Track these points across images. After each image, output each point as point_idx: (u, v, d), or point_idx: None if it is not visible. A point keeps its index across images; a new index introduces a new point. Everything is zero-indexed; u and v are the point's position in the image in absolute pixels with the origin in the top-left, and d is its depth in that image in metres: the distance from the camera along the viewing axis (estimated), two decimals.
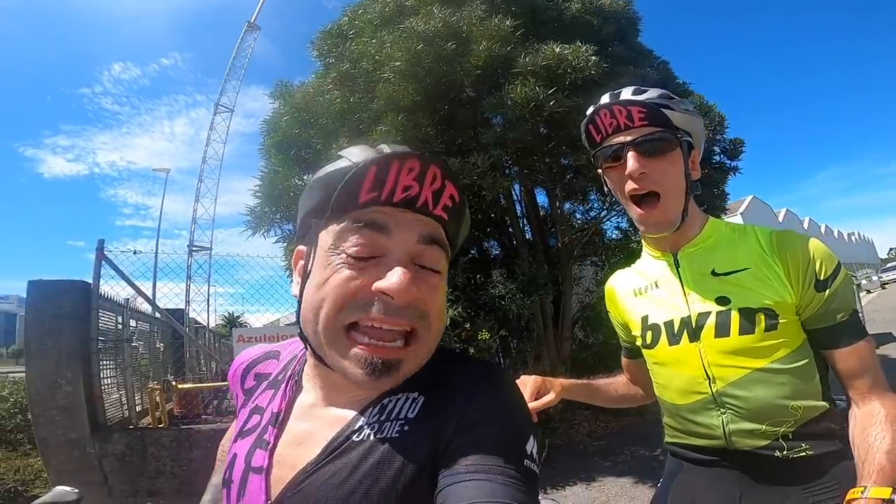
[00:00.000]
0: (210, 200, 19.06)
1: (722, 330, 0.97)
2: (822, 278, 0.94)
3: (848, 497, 0.82)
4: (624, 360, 1.34)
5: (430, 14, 4.50)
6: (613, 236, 7.05)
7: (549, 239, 6.77)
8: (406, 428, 0.57)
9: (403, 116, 4.27)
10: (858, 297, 11.47)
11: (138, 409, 4.72)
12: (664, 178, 0.98)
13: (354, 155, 0.59)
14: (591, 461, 4.44)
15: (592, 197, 6.53)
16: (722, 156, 6.27)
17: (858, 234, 79.80)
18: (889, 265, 42.99)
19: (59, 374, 3.61)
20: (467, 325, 4.81)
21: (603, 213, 6.57)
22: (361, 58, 4.76)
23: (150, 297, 4.37)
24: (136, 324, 6.28)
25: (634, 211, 1.02)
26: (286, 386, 0.68)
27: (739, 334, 0.95)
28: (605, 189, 1.10)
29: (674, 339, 1.04)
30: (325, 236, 0.58)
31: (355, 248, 0.55)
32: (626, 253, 5.93)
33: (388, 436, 0.56)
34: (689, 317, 1.01)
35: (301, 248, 0.64)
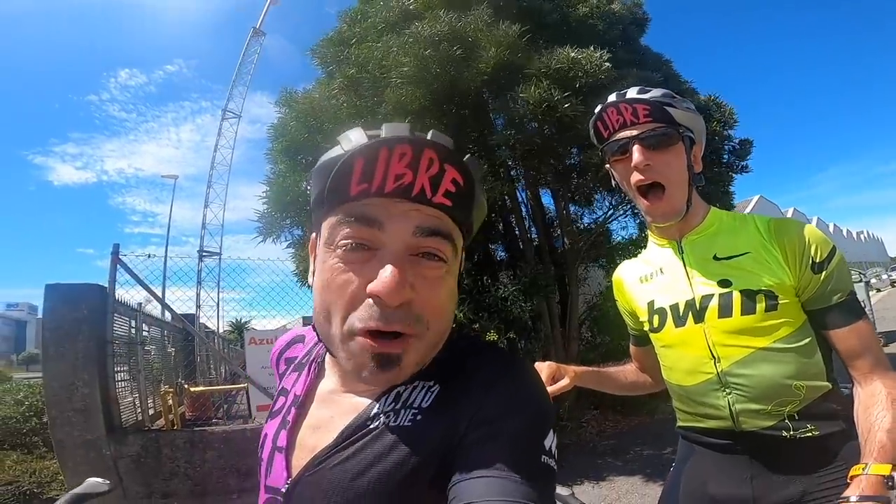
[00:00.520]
0: (219, 206, 19.26)
1: (725, 311, 1.02)
2: (817, 261, 0.99)
3: (850, 474, 0.86)
4: (632, 349, 1.38)
5: (435, 18, 4.55)
6: (620, 238, 7.10)
7: (556, 240, 6.80)
8: (419, 417, 0.56)
9: (411, 120, 4.32)
10: (868, 295, 11.37)
11: (151, 412, 4.79)
12: (667, 170, 1.04)
13: (347, 140, 0.56)
14: (601, 460, 4.47)
15: (598, 198, 6.56)
16: (731, 156, 6.28)
17: (868, 232, 79.03)
18: None
19: (76, 376, 3.68)
20: (476, 326, 4.85)
21: (609, 214, 6.61)
22: (367, 62, 4.82)
23: (164, 301, 4.44)
24: (149, 328, 6.37)
25: (641, 202, 1.08)
26: (308, 369, 0.70)
27: (742, 314, 1.00)
28: (613, 182, 1.16)
29: (679, 322, 1.09)
30: (324, 228, 0.57)
31: (347, 243, 0.53)
32: (632, 255, 5.90)
33: (401, 424, 0.56)
34: (694, 299, 1.07)
35: (313, 236, 0.63)
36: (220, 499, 3.88)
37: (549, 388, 1.13)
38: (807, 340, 1.00)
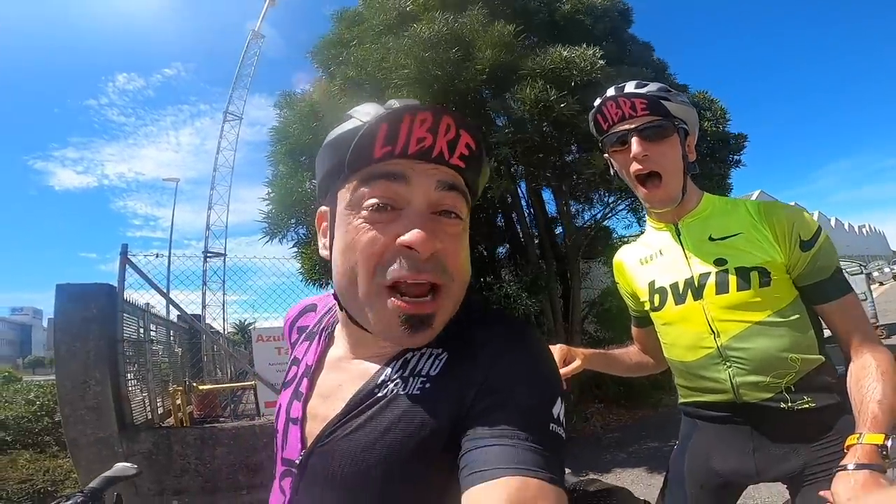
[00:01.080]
0: (222, 207, 19.33)
1: (721, 287, 1.09)
2: (805, 239, 1.05)
3: (846, 443, 0.92)
4: (634, 331, 1.44)
5: (432, 20, 4.61)
6: (620, 234, 7.16)
7: (557, 237, 6.85)
8: (427, 385, 0.57)
9: None
10: (870, 289, 11.38)
11: (160, 410, 4.85)
12: (664, 160, 1.11)
13: (363, 114, 0.58)
14: (606, 452, 4.53)
15: (597, 195, 6.61)
16: (725, 151, 6.36)
17: (869, 226, 78.81)
18: None
19: (88, 374, 3.73)
20: (480, 311, 4.87)
21: (609, 211, 6.66)
22: (366, 64, 4.87)
23: (173, 300, 4.50)
24: (156, 328, 6.44)
25: (640, 190, 1.16)
26: (319, 338, 0.71)
27: (737, 290, 1.07)
28: (612, 171, 1.23)
29: (679, 299, 1.16)
30: (344, 195, 0.58)
31: (374, 200, 0.55)
32: None
33: (410, 392, 0.57)
34: (692, 278, 1.13)
35: (323, 209, 0.65)
36: (231, 495, 3.93)
37: (562, 370, 1.18)
38: (799, 315, 1.07)
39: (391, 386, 0.59)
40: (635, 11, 6.38)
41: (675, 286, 1.16)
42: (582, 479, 1.07)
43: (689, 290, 1.13)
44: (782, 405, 1.05)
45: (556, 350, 1.24)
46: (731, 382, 1.09)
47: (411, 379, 0.58)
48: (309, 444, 0.62)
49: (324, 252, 0.65)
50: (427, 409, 0.55)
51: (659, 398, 5.74)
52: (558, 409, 0.54)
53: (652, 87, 1.13)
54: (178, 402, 4.83)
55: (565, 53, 4.35)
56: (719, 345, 1.10)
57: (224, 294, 17.05)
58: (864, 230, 73.56)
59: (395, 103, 0.59)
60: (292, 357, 0.76)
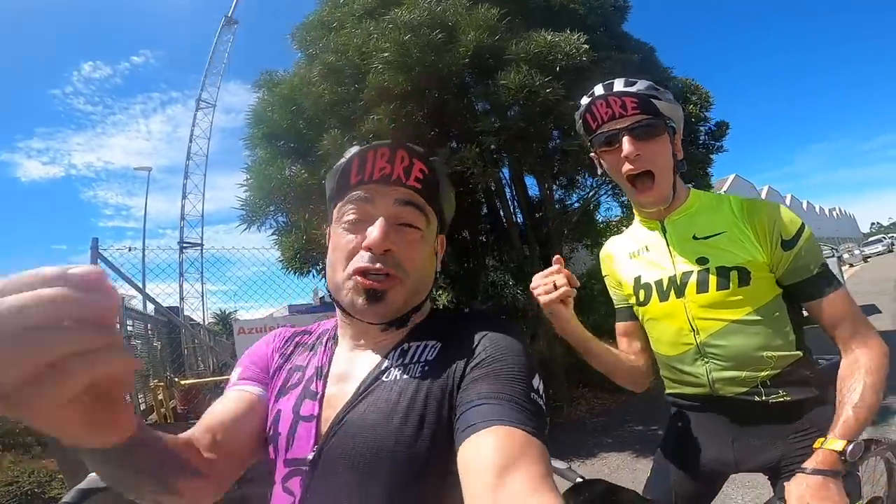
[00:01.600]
0: (197, 196, 18.85)
1: (702, 286, 1.10)
2: (787, 239, 1.06)
3: (814, 446, 0.96)
4: (619, 326, 1.35)
5: (414, 4, 4.50)
6: (603, 219, 7.23)
7: (540, 222, 6.85)
8: (427, 368, 0.69)
9: (395, 106, 4.28)
10: (841, 270, 11.74)
11: (143, 407, 4.75)
12: (656, 159, 1.10)
13: (349, 153, 0.74)
14: (592, 437, 4.59)
15: (581, 180, 6.62)
16: (707, 137, 6.45)
17: (840, 209, 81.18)
18: (871, 239, 44.09)
19: None
20: (466, 311, 4.87)
21: (592, 196, 6.68)
22: (346, 49, 4.75)
23: (148, 294, 4.36)
24: (132, 323, 6.28)
25: (631, 191, 1.15)
26: (326, 345, 0.81)
27: (717, 290, 1.09)
28: (599, 171, 1.22)
29: (663, 296, 1.17)
30: (335, 214, 0.76)
31: (351, 217, 0.73)
32: (616, 234, 6.02)
33: (413, 375, 0.68)
34: (675, 276, 1.15)
35: (329, 227, 0.80)
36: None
37: (554, 294, 1.06)
38: (778, 313, 1.09)
39: (395, 371, 0.70)
40: (629, 9, 6.32)
41: (659, 283, 1.17)
42: (588, 480, 1.07)
43: (672, 288, 1.15)
44: (756, 399, 1.08)
45: (555, 260, 1.11)
46: (708, 377, 1.12)
47: (412, 365, 0.70)
48: (325, 430, 0.68)
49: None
50: (428, 388, 0.66)
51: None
52: (537, 383, 0.64)
53: (641, 85, 1.12)
54: (161, 397, 4.72)
55: (549, 37, 4.30)
56: (698, 342, 1.12)
57: (203, 285, 16.70)
58: (834, 213, 75.65)
59: (375, 144, 0.74)
60: (291, 365, 0.81)
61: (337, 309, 0.78)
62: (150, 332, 7.00)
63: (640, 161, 1.09)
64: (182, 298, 15.07)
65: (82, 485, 1.19)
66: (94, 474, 1.29)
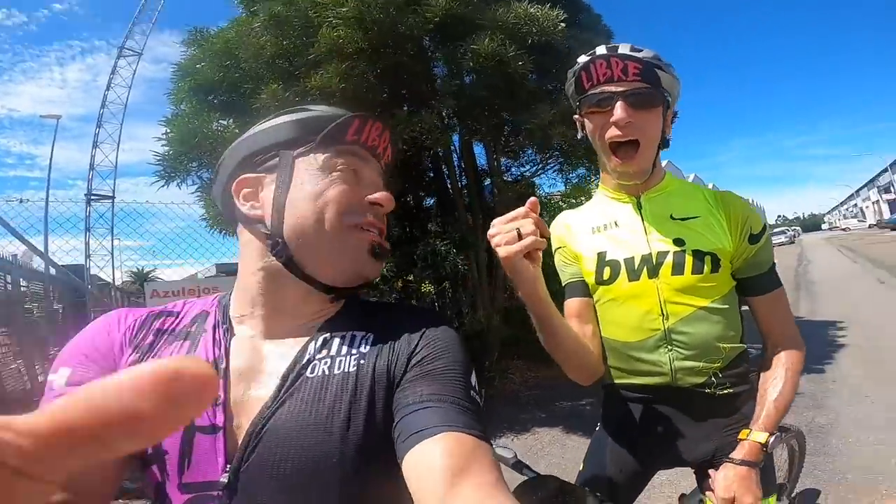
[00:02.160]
0: (111, 146, 16.93)
1: (678, 269, 1.07)
2: (755, 233, 1.08)
3: (738, 437, 1.02)
4: (570, 305, 1.18)
5: None
6: (545, 192, 7.33)
7: (486, 193, 6.80)
8: (362, 362, 0.62)
9: (347, 65, 3.97)
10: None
11: (40, 379, 4.23)
12: (646, 129, 1.04)
13: (326, 110, 0.72)
14: (525, 411, 4.63)
15: (527, 154, 6.60)
16: None
17: (751, 200, 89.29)
18: (776, 230, 49.09)
19: None
20: (410, 278, 4.76)
21: (537, 170, 6.69)
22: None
23: (37, 248, 3.78)
24: (28, 283, 5.55)
25: (612, 159, 1.07)
26: (213, 332, 0.66)
27: (692, 273, 1.06)
28: (580, 135, 1.15)
29: (633, 275, 1.10)
30: (310, 160, 0.67)
31: (344, 167, 0.68)
32: (557, 209, 6.12)
33: (346, 369, 0.61)
34: (650, 255, 1.09)
35: (248, 176, 0.68)
36: None
37: (517, 245, 0.84)
38: (730, 305, 1.10)
39: (320, 365, 0.62)
40: None
41: (629, 261, 1.10)
42: (541, 476, 1.05)
43: (646, 267, 1.09)
44: (707, 390, 1.08)
45: (529, 202, 0.89)
46: (671, 366, 1.09)
47: (341, 358, 0.62)
48: (239, 440, 0.57)
49: (254, 212, 0.67)
50: (360, 384, 0.60)
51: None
52: (475, 380, 0.63)
53: (647, 52, 1.05)
54: None
55: (531, 10, 4.15)
56: (666, 327, 1.08)
57: (112, 240, 15.15)
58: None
59: (337, 110, 0.73)
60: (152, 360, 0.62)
61: (280, 258, 0.65)
62: (51, 293, 6.25)
63: (630, 128, 1.02)
64: (88, 256, 13.63)
65: None
66: None
